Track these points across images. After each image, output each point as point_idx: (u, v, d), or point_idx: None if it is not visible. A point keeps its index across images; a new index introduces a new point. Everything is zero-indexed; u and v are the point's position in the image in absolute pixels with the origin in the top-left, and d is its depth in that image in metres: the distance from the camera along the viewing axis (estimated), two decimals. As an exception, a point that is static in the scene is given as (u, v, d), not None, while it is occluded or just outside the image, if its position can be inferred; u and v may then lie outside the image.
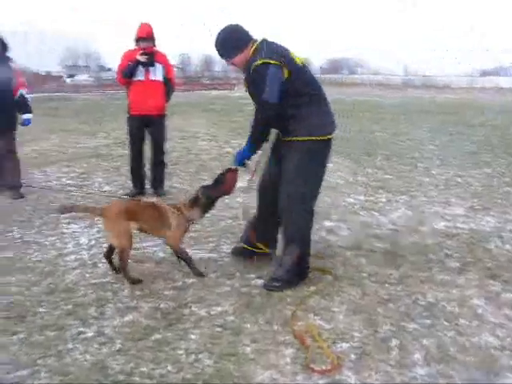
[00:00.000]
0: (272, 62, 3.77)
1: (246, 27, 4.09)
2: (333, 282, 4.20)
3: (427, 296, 3.99)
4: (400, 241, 5.25)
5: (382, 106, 25.36)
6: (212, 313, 3.68)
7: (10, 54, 6.86)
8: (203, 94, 34.54)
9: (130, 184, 7.16)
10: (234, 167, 4.27)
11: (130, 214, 4.12)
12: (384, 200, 6.89)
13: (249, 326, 3.50)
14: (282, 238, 4.27)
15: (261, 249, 4.51)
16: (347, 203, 6.67)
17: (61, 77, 60.72)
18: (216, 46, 4.04)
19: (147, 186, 7.16)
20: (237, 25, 4.06)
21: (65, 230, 5.47)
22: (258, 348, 3.23)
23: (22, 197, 6.78)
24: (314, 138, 3.98)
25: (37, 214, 6.04)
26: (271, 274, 4.17)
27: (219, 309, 3.74)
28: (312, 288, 4.09)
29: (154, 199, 4.49)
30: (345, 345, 3.29)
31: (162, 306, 3.78)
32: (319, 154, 4.09)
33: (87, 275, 4.32)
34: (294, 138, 3.98)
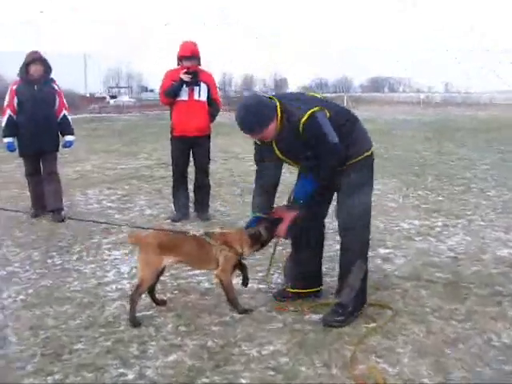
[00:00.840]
0: (315, 109, 3.56)
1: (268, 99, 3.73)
2: (393, 318, 3.83)
3: (501, 336, 3.58)
4: (462, 270, 4.85)
5: (424, 124, 24.77)
6: (263, 353, 3.36)
7: (53, 75, 6.79)
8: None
9: (172, 207, 6.92)
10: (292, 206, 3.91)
11: (166, 248, 3.83)
12: (440, 224, 6.48)
13: (304, 369, 3.16)
14: (343, 261, 3.92)
15: (307, 287, 4.20)
16: (401, 228, 6.28)
17: (104, 98, 61.89)
18: (240, 125, 3.64)
19: (190, 209, 6.91)
20: (255, 96, 3.83)
21: (106, 257, 5.25)
22: (316, 396, 2.89)
23: (63, 220, 6.62)
24: (366, 153, 3.80)
25: (77, 240, 5.84)
26: (335, 304, 3.85)
27: (271, 348, 3.42)
28: (371, 324, 3.73)
29: (200, 231, 4.12)
30: (414, 394, 2.93)
31: (208, 343, 3.47)
32: (371, 167, 3.90)
33: (128, 307, 4.04)
34: (350, 162, 3.73)
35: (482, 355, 3.32)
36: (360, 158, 3.75)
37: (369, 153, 3.81)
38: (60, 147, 6.89)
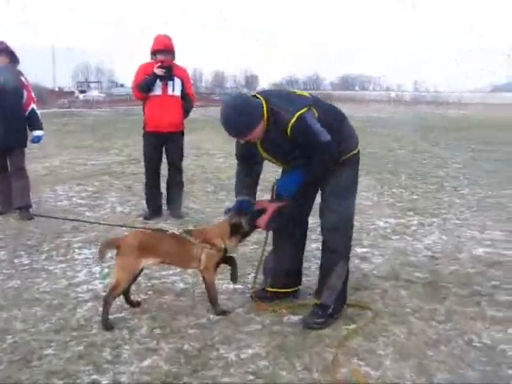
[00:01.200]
0: (303, 110, 3.41)
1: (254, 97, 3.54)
2: (374, 319, 3.76)
3: (482, 336, 3.53)
4: (439, 270, 4.81)
5: (396, 122, 24.93)
6: (242, 356, 3.25)
7: (19, 68, 6.55)
8: (215, 110, 34.28)
9: (144, 204, 6.76)
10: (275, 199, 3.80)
11: (145, 250, 3.67)
12: (415, 223, 6.45)
13: (285, 373, 3.07)
14: (325, 261, 3.80)
15: (285, 287, 4.10)
16: (377, 227, 6.24)
17: (73, 93, 61.09)
18: (227, 127, 3.44)
19: (163, 206, 6.76)
20: (240, 96, 3.56)
21: (76, 256, 5.07)
22: (298, 402, 2.80)
23: (31, 218, 6.40)
24: (353, 152, 3.70)
25: (46, 238, 5.64)
26: (314, 306, 3.76)
27: (250, 351, 3.31)
28: (352, 326, 3.66)
29: (178, 229, 3.97)
30: (397, 398, 2.86)
31: (185, 347, 3.35)
32: (357, 165, 3.81)
33: (100, 309, 3.88)
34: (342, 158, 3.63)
35: (464, 356, 3.28)
36: (348, 155, 3.64)
37: (356, 151, 3.72)
38: (28, 142, 6.65)
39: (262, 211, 3.69)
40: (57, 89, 64.02)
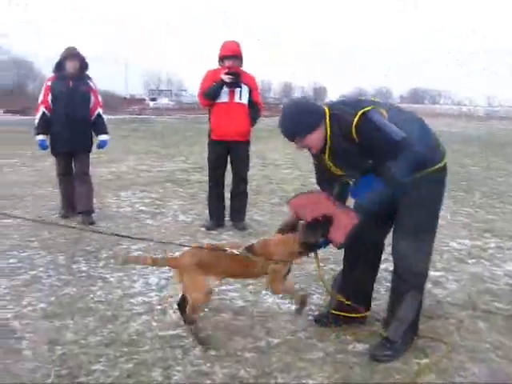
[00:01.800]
0: (366, 108, 3.07)
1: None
2: (449, 354, 3.40)
3: None
4: (522, 300, 4.37)
5: (469, 138, 24.00)
6: (302, 387, 2.97)
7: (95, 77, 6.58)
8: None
9: (206, 214, 6.58)
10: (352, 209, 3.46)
11: (206, 267, 3.46)
12: (493, 246, 5.98)
13: (349, 411, 2.77)
14: (395, 289, 3.46)
15: (353, 311, 3.70)
16: (452, 248, 5.80)
17: (144, 100, 62.58)
18: (282, 126, 3.25)
19: (226, 217, 6.56)
20: (303, 98, 3.41)
21: (134, 265, 4.92)
22: None
23: (92, 223, 6.34)
24: (437, 166, 3.24)
25: (106, 245, 5.54)
26: (382, 338, 3.41)
27: (311, 382, 3.02)
28: (424, 360, 3.30)
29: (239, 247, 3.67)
30: None
31: (240, 373, 3.09)
32: (442, 183, 3.35)
33: (154, 324, 3.71)
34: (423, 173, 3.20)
35: (556, 407, 2.88)
36: (430, 169, 3.20)
37: (441, 165, 3.26)
38: (94, 147, 6.63)
39: (329, 221, 3.33)
40: (128, 96, 65.68)
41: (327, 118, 3.17)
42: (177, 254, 3.85)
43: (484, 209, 8.07)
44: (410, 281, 3.33)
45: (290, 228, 3.56)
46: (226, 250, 3.48)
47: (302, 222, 3.52)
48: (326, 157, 3.29)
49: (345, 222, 3.31)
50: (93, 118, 6.45)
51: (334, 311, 3.77)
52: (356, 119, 3.04)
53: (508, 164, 13.86)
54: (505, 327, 3.84)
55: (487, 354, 3.43)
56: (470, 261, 5.41)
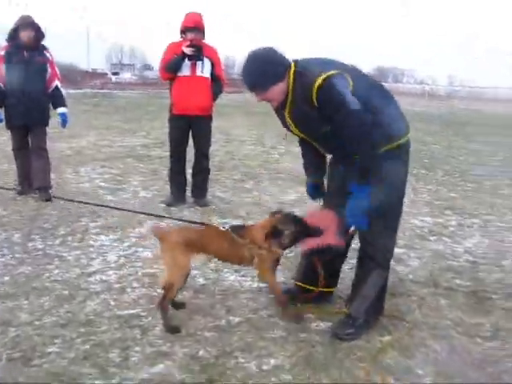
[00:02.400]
0: (332, 72, 2.94)
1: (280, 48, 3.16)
2: (411, 331, 3.39)
3: (535, 359, 3.14)
4: (482, 277, 4.40)
5: (431, 117, 24.24)
6: (264, 367, 2.91)
7: (54, 49, 6.32)
8: (247, 97, 33.73)
9: (168, 190, 6.46)
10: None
11: (194, 246, 3.31)
12: (454, 223, 6.02)
13: (311, 390, 2.73)
14: (360, 267, 3.43)
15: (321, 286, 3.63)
16: (413, 226, 5.82)
17: (106, 74, 61.39)
18: (244, 76, 3.11)
19: (187, 193, 6.45)
20: (270, 49, 3.11)
21: (92, 243, 4.79)
22: (325, 428, 2.45)
23: (49, 199, 6.14)
24: (400, 141, 3.16)
25: (63, 221, 5.37)
26: (345, 315, 3.38)
27: (272, 362, 2.97)
28: (386, 338, 3.29)
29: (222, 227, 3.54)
30: (440, 430, 2.49)
31: (201, 353, 3.02)
32: (406, 157, 3.27)
33: (112, 303, 3.61)
34: (379, 150, 3.09)
35: (515, 383, 2.89)
36: (392, 145, 3.12)
37: (404, 139, 3.19)
38: (51, 121, 6.39)
39: (318, 231, 3.20)
40: (90, 70, 64.31)
41: (291, 72, 3.04)
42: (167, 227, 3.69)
43: (446, 187, 8.14)
44: (376, 258, 3.29)
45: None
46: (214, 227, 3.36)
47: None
48: (286, 113, 3.17)
49: (327, 239, 3.20)
50: (50, 90, 6.19)
51: (298, 282, 3.73)
52: (319, 81, 2.91)
53: (469, 143, 14.01)
54: (465, 304, 3.86)
55: (448, 330, 3.44)
56: (431, 238, 5.44)
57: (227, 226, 3.44)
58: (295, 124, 3.19)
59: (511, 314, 3.71)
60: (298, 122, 3.18)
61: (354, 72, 3.13)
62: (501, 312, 3.75)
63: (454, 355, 3.14)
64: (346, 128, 2.94)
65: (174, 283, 3.27)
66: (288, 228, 3.25)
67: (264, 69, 3.02)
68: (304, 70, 3.02)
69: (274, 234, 3.26)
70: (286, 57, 3.12)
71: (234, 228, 3.43)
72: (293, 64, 3.07)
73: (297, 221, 3.28)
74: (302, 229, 3.25)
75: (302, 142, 3.49)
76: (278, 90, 3.05)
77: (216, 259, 3.64)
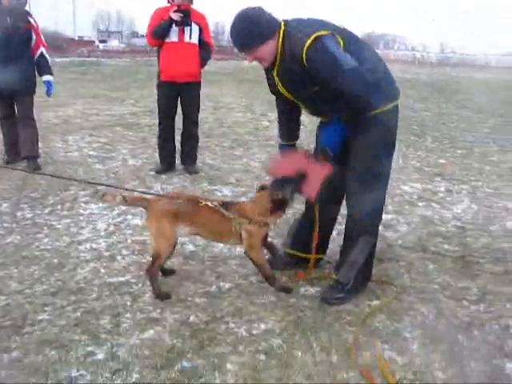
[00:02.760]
0: (322, 33, 2.90)
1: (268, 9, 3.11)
2: (399, 295, 3.43)
3: (520, 321, 3.20)
4: (470, 242, 4.44)
5: (422, 83, 24.13)
6: (254, 332, 2.95)
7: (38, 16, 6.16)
8: (236, 64, 33.38)
9: (157, 158, 6.42)
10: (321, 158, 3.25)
11: (180, 217, 3.27)
12: (443, 189, 6.05)
13: (300, 353, 2.76)
14: (348, 232, 3.43)
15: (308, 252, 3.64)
16: (403, 192, 5.84)
17: (93, 42, 60.49)
18: (233, 36, 3.06)
19: (177, 160, 6.42)
20: (258, 8, 3.05)
21: (81, 211, 4.78)
22: (314, 390, 2.49)
23: (38, 168, 6.10)
24: (389, 105, 3.13)
25: (52, 191, 5.35)
26: (333, 281, 3.41)
27: (262, 326, 3.00)
28: (375, 302, 3.33)
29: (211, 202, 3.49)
30: (427, 391, 2.54)
31: (191, 318, 3.06)
32: (395, 122, 3.24)
33: (102, 271, 3.62)
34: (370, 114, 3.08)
35: (502, 345, 2.94)
36: (385, 108, 3.09)
37: (394, 104, 3.15)
38: (38, 90, 6.29)
39: (303, 176, 3.18)
40: (77, 38, 63.30)
41: (281, 32, 3.00)
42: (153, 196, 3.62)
43: (435, 153, 8.14)
44: (363, 224, 3.30)
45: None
46: (202, 201, 3.32)
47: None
48: (275, 73, 3.14)
49: (317, 174, 3.17)
50: (35, 57, 6.06)
51: (288, 250, 3.75)
52: (309, 41, 2.87)
53: (459, 110, 13.98)
54: (453, 268, 3.91)
55: (436, 294, 3.48)
56: (420, 204, 5.47)
57: (216, 203, 3.36)
58: (283, 84, 3.16)
59: (498, 278, 3.77)
60: (287, 82, 3.14)
61: (346, 33, 3.09)
62: (488, 276, 3.80)
63: (441, 318, 3.19)
64: (345, 88, 2.90)
65: (161, 253, 3.27)
66: (285, 193, 3.20)
67: (251, 29, 2.97)
68: (293, 30, 2.97)
69: (276, 206, 3.24)
70: (275, 17, 3.07)
71: (223, 204, 3.37)
72: (283, 23, 3.03)
73: (285, 182, 3.23)
74: (294, 183, 3.20)
75: (281, 104, 3.48)
76: (267, 49, 3.01)
77: (199, 236, 3.59)
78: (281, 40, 3.00)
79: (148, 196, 3.61)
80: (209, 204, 3.30)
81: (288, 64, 3.02)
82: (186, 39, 5.83)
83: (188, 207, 3.32)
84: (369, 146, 3.13)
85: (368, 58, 3.10)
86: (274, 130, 3.82)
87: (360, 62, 2.94)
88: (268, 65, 3.12)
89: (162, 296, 3.25)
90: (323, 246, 3.72)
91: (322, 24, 3.06)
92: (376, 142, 3.13)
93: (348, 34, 3.10)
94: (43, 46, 6.12)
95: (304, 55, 2.90)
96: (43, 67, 6.14)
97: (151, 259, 3.31)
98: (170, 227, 3.24)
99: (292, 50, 2.95)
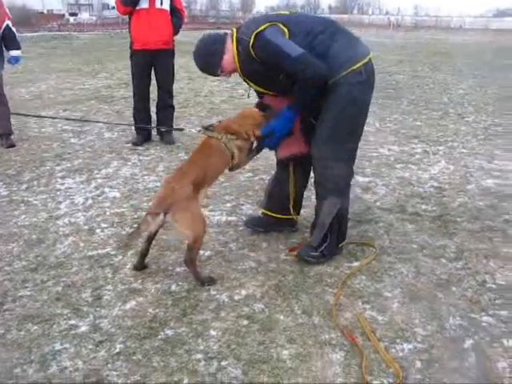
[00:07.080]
0: (261, 28, 3.01)
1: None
2: (379, 256, 3.47)
3: (496, 276, 3.25)
4: (447, 202, 4.49)
5: (397, 47, 24.09)
6: (235, 298, 2.96)
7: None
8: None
9: (132, 129, 6.36)
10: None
11: (198, 184, 3.07)
12: (420, 151, 6.09)
13: (282, 317, 2.79)
14: (316, 195, 3.41)
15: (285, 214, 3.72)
16: (380, 154, 5.87)
17: (63, 15, 59.18)
18: (199, 67, 3.26)
19: (153, 131, 6.36)
20: (204, 36, 3.27)
21: (58, 186, 4.73)
22: (296, 351, 2.51)
23: (12, 145, 6.00)
24: (355, 65, 3.07)
25: (27, 167, 5.28)
26: (306, 244, 3.43)
27: (244, 292, 3.02)
28: (355, 263, 3.37)
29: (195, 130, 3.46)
30: (406, 346, 2.58)
31: (172, 287, 3.06)
32: (364, 83, 3.16)
33: (82, 244, 3.60)
34: (333, 79, 3.05)
35: (478, 299, 3.00)
36: (346, 72, 3.04)
37: (357, 66, 3.06)
38: (6, 65, 6.13)
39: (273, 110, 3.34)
40: (46, 12, 61.86)
41: (234, 41, 3.12)
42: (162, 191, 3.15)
43: (411, 115, 8.17)
44: (326, 186, 3.27)
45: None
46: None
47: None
48: (244, 77, 3.29)
49: (297, 144, 3.36)
50: (0, 31, 5.88)
51: (264, 210, 3.77)
52: (252, 40, 3.01)
53: (434, 72, 14.00)
54: (431, 228, 3.96)
55: (414, 254, 3.53)
56: (398, 166, 5.50)
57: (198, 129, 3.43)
58: (256, 83, 3.29)
59: (475, 236, 3.83)
60: (254, 79, 3.27)
61: (295, 18, 3.15)
62: (465, 234, 3.86)
63: (420, 277, 3.23)
64: (298, 72, 2.98)
65: (200, 236, 3.06)
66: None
67: (206, 60, 3.19)
68: (242, 35, 3.10)
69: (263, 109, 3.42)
70: (219, 32, 3.29)
71: (207, 127, 3.34)
72: (234, 30, 3.16)
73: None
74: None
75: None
76: (226, 64, 3.17)
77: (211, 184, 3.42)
78: (235, 47, 3.12)
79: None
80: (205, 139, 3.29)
81: (248, 65, 3.14)
82: (157, 5, 5.72)
83: (200, 167, 3.14)
84: (335, 108, 3.11)
85: (323, 32, 3.09)
86: (250, 98, 3.77)
87: (311, 38, 3.04)
88: (235, 72, 3.28)
89: (207, 281, 3.11)
90: (297, 207, 3.76)
91: (266, 17, 3.19)
92: (342, 103, 3.10)
93: (299, 19, 3.17)
94: (9, 18, 5.92)
95: (253, 53, 3.03)
96: (10, 41, 5.94)
97: (187, 249, 3.07)
98: (197, 206, 3.07)
99: (244, 51, 3.08)
